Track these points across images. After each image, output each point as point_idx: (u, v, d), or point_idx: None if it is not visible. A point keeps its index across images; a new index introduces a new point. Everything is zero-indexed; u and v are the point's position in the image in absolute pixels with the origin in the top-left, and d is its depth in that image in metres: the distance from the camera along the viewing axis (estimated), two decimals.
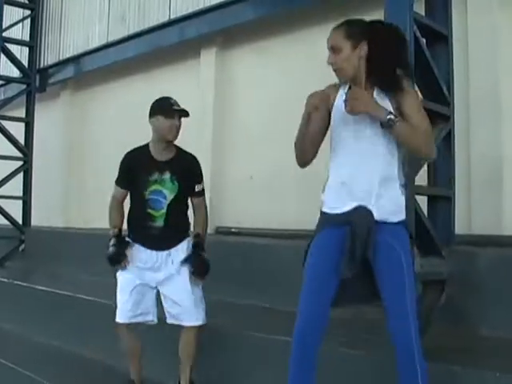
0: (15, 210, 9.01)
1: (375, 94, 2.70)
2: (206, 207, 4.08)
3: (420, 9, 4.16)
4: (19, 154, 9.16)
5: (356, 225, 2.59)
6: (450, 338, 3.60)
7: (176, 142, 4.04)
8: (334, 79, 2.88)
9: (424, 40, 4.01)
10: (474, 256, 4.08)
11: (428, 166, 4.15)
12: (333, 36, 2.75)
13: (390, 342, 2.57)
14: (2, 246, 8.60)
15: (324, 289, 2.65)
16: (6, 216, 8.87)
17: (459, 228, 4.28)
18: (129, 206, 4.17)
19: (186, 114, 4.08)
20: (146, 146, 4.07)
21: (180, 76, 7.67)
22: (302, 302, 2.67)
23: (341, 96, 2.76)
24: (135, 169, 4.00)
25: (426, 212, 4.03)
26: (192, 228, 4.04)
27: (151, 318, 3.98)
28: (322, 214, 2.80)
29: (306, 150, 2.83)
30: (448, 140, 4.19)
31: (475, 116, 4.70)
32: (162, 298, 3.97)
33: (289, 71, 6.35)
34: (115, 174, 4.20)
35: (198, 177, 4.06)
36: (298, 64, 6.22)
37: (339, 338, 3.58)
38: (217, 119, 7.09)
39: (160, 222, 3.90)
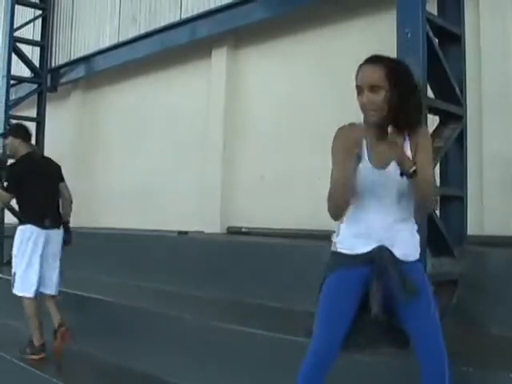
0: None
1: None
2: None
3: (432, 8, 4.15)
4: None
5: (382, 262, 2.57)
6: (462, 337, 3.57)
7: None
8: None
9: (436, 40, 4.00)
10: (486, 256, 4.06)
11: (440, 166, 4.14)
12: (371, 73, 2.58)
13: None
14: (11, 244, 8.60)
15: (339, 329, 2.62)
16: (16, 215, 8.88)
17: (471, 228, 4.26)
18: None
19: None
20: None
21: (191, 76, 7.70)
22: (315, 340, 2.64)
23: (364, 140, 2.66)
24: None
25: (438, 212, 4.02)
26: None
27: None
28: (337, 254, 2.72)
29: (346, 201, 2.64)
30: (460, 140, 4.17)
31: (487, 116, 4.68)
32: None
33: (300, 71, 6.35)
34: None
35: None
36: (309, 64, 6.22)
37: None
38: (227, 119, 7.10)
39: None
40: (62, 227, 5.29)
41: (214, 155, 7.14)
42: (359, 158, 2.59)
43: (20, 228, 5.16)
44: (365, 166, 2.63)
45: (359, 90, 2.61)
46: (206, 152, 7.26)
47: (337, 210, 2.65)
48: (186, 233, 6.75)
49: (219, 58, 7.25)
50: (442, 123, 4.13)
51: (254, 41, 6.96)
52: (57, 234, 5.22)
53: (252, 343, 4.07)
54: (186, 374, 4.33)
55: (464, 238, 4.16)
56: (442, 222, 3.93)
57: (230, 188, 6.99)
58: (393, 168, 2.57)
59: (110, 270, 6.72)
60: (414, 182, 2.52)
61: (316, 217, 5.66)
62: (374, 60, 2.62)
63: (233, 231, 6.90)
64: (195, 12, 7.25)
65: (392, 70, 2.58)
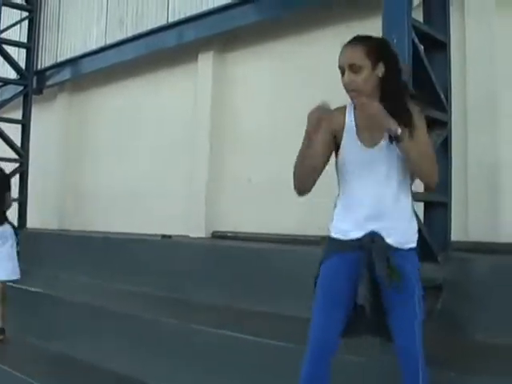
0: (11, 211, 8.96)
1: None
2: None
3: (418, 15, 4.17)
4: (15, 156, 9.14)
5: (372, 249, 2.52)
6: (446, 343, 3.59)
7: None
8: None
9: (422, 47, 4.02)
10: (470, 262, 4.08)
11: None
12: (350, 53, 2.56)
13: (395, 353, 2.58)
14: None
15: (335, 315, 2.58)
16: None
17: (455, 234, 4.28)
18: None
19: None
20: None
21: (178, 79, 7.69)
22: (313, 328, 2.59)
23: (350, 120, 2.63)
24: None
25: (422, 218, 4.03)
26: None
27: None
28: (332, 240, 2.67)
29: (307, 175, 2.61)
30: (445, 146, 4.20)
31: (472, 122, 4.72)
32: None
33: (287, 75, 6.36)
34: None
35: None
36: (297, 68, 6.23)
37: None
38: (214, 122, 7.09)
39: None
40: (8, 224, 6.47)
41: (200, 158, 7.13)
42: (329, 133, 2.62)
43: None
44: (353, 145, 2.60)
45: (341, 71, 2.59)
46: (192, 155, 7.25)
47: (299, 186, 2.64)
48: (169, 237, 6.74)
49: (205, 62, 7.24)
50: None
51: (242, 45, 6.96)
52: (3, 230, 6.34)
53: (238, 348, 4.06)
54: (172, 377, 4.32)
55: (448, 244, 4.18)
56: (426, 228, 3.95)
57: (215, 191, 6.98)
58: (383, 146, 2.52)
59: (93, 272, 6.68)
60: (405, 147, 2.46)
61: (304, 222, 5.69)
62: (355, 40, 2.61)
63: (217, 236, 6.89)
64: (182, 16, 7.25)
65: (373, 48, 2.55)
